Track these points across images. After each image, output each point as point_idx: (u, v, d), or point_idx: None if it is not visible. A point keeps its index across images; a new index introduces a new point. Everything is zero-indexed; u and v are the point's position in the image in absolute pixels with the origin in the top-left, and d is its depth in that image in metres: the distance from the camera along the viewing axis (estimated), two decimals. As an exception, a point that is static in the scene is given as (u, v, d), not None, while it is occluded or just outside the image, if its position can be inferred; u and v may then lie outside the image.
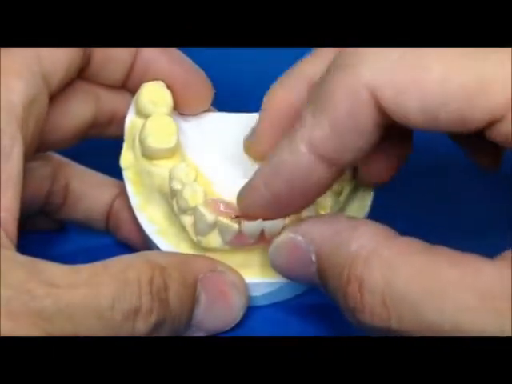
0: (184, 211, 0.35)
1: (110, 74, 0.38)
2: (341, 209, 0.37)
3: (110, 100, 0.39)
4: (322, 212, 0.35)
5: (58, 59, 0.35)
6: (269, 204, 0.33)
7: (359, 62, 0.29)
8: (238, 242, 0.35)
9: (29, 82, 0.33)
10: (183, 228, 0.36)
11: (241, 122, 0.39)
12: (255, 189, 0.33)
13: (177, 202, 0.35)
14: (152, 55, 0.38)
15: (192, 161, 0.37)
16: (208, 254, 0.36)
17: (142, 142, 0.36)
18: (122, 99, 0.39)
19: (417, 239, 0.30)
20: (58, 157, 0.40)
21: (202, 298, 0.33)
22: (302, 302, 0.33)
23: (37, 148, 0.35)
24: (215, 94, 0.40)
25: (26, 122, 0.33)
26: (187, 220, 0.35)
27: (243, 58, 0.45)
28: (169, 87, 0.38)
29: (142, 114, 0.37)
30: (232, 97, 0.40)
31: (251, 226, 0.34)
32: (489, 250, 0.29)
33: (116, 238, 0.41)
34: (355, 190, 0.38)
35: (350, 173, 0.37)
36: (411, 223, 0.42)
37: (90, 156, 0.41)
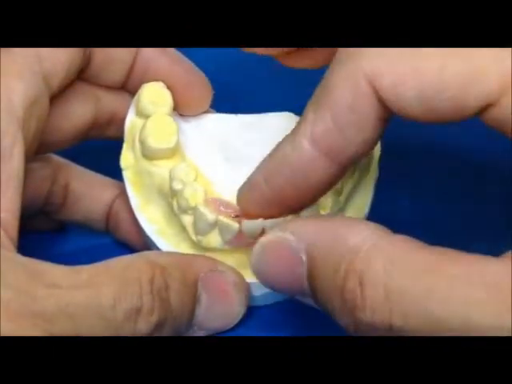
0: (184, 211, 0.35)
1: (110, 74, 0.38)
2: (340, 209, 0.37)
3: (110, 101, 0.39)
4: (323, 212, 0.35)
5: (59, 60, 0.35)
6: (269, 201, 0.32)
7: (359, 56, 0.30)
8: (238, 242, 0.35)
9: (30, 82, 0.33)
10: (183, 228, 0.36)
11: (240, 123, 0.39)
12: (255, 185, 0.33)
13: (177, 202, 0.35)
14: (152, 56, 0.38)
15: (192, 161, 0.37)
16: (208, 254, 0.36)
17: (142, 142, 0.36)
18: (121, 100, 0.39)
19: (415, 239, 0.29)
20: (57, 158, 0.40)
21: (203, 298, 0.33)
22: (302, 302, 0.33)
23: (37, 148, 0.35)
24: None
25: (27, 123, 0.33)
26: (187, 220, 0.35)
27: (241, 58, 0.46)
28: (169, 88, 0.38)
29: (143, 115, 0.37)
30: (228, 97, 0.40)
31: (251, 225, 0.34)
32: (488, 252, 0.29)
33: (115, 238, 0.41)
34: (355, 189, 0.38)
35: (349, 172, 0.37)
36: (409, 223, 0.42)
37: (90, 157, 0.41)
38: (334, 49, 0.31)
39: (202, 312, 0.33)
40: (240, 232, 0.34)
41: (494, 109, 0.28)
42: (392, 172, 0.40)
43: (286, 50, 0.35)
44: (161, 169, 0.36)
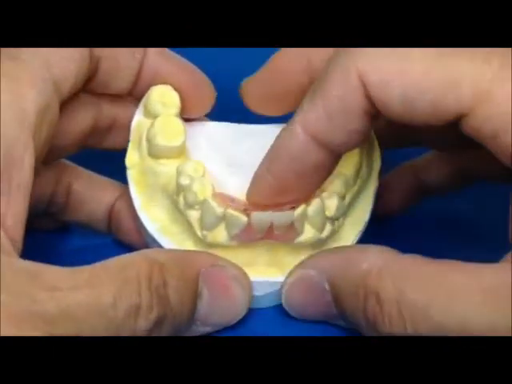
0: (191, 206, 0.35)
1: (118, 82, 0.38)
2: (343, 213, 0.37)
3: (111, 108, 0.39)
4: (327, 213, 0.36)
5: (68, 67, 0.35)
6: (273, 189, 0.34)
7: (354, 54, 0.32)
8: (246, 237, 0.35)
9: (41, 89, 0.33)
10: (187, 227, 0.36)
11: (243, 132, 0.39)
12: (260, 175, 0.34)
13: (184, 197, 0.35)
14: (158, 63, 0.38)
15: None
16: (212, 251, 0.36)
17: (149, 140, 0.37)
18: (122, 107, 0.40)
19: (419, 255, 0.32)
20: (60, 159, 0.40)
21: (205, 293, 0.33)
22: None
23: (47, 154, 0.35)
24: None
25: (38, 130, 0.33)
26: (193, 215, 0.35)
27: (239, 58, 0.46)
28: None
29: (151, 115, 0.38)
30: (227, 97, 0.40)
31: (260, 217, 0.34)
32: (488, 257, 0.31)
33: (117, 239, 0.41)
34: (357, 196, 0.38)
35: (353, 178, 0.37)
36: (411, 228, 0.43)
37: (92, 159, 0.41)
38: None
39: (203, 307, 0.33)
40: (248, 225, 0.34)
41: (468, 118, 0.31)
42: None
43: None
44: (167, 167, 0.36)
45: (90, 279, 0.30)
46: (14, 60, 0.33)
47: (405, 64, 0.31)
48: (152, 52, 0.38)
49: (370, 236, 0.38)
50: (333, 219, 0.36)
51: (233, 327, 0.35)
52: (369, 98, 0.31)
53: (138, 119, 0.38)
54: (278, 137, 0.34)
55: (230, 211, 0.34)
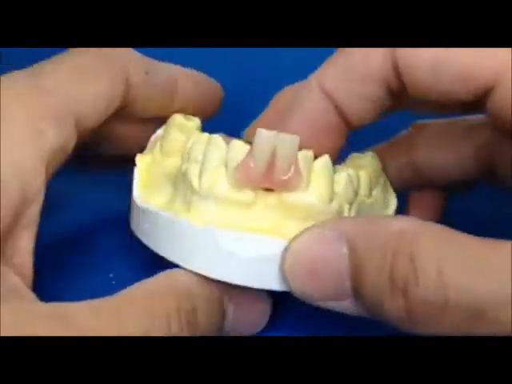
0: (194, 160, 0.34)
1: (149, 111, 0.38)
2: (351, 203, 0.35)
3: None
4: (336, 188, 0.33)
5: (95, 102, 0.34)
6: None
7: None
8: (245, 172, 0.32)
9: (61, 126, 0.33)
10: (184, 206, 0.34)
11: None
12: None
13: (188, 154, 0.34)
14: (184, 86, 0.39)
15: None
16: (209, 219, 0.33)
17: (163, 137, 0.37)
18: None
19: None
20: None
21: (230, 310, 0.33)
22: (302, 303, 0.33)
23: None
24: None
25: (51, 166, 0.33)
26: (193, 168, 0.33)
27: (239, 58, 0.46)
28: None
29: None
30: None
31: (263, 138, 0.31)
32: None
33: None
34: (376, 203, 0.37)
35: (367, 186, 0.36)
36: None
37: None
38: None
39: (229, 324, 0.33)
40: (249, 155, 0.32)
41: (496, 90, 0.31)
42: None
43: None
44: (175, 159, 0.36)
45: (115, 316, 0.29)
46: (38, 88, 0.33)
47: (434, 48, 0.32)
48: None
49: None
50: (340, 199, 0.33)
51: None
52: (396, 69, 0.32)
53: (157, 133, 0.38)
54: (294, 91, 0.34)
55: (234, 140, 0.33)
